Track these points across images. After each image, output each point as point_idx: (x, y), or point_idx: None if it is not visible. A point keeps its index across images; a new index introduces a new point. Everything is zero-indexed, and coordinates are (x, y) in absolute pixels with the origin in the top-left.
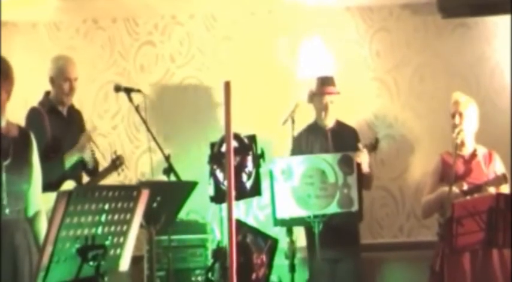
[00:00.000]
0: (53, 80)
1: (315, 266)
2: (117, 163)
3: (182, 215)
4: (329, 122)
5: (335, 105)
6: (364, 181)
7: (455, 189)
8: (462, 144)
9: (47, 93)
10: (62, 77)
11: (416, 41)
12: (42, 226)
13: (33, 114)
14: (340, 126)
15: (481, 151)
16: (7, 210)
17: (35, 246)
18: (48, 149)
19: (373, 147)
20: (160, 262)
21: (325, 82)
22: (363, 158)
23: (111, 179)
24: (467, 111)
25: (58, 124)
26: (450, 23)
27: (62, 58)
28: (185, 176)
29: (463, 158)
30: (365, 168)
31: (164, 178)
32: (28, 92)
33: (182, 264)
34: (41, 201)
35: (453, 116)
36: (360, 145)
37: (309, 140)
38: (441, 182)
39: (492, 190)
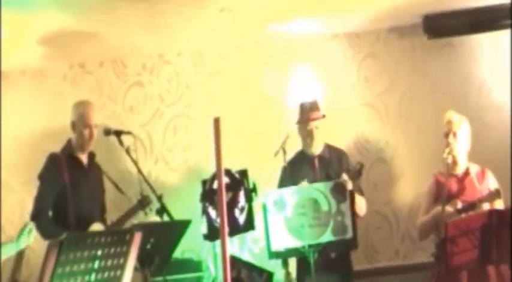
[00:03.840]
0: (74, 126)
1: None
2: (143, 203)
3: (177, 254)
4: (316, 149)
5: (325, 131)
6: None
7: (449, 208)
8: (455, 163)
9: (69, 140)
10: (82, 124)
11: (404, 63)
12: None
13: (51, 160)
14: (329, 151)
15: (474, 169)
16: None
17: None
18: (67, 194)
19: (357, 173)
20: None
21: (307, 108)
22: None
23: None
24: (460, 130)
25: (77, 171)
26: (437, 43)
27: (83, 104)
28: (178, 216)
29: (456, 176)
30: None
31: (157, 219)
32: (15, 140)
33: None
34: None
35: (446, 136)
36: (344, 174)
37: (296, 169)
38: (436, 203)
39: (487, 206)
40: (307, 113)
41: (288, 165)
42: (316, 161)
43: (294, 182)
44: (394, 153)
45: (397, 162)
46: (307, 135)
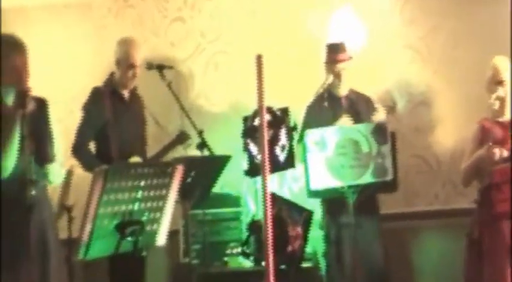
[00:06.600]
0: (118, 63)
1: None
2: (182, 138)
3: (216, 188)
4: (343, 91)
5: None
6: None
7: (494, 150)
8: (501, 110)
9: (112, 74)
10: (126, 63)
11: (449, 6)
12: None
13: (95, 93)
14: (356, 95)
15: None
16: (35, 189)
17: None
18: (109, 128)
19: (391, 109)
20: (196, 236)
21: (334, 49)
22: (380, 117)
23: None
24: (507, 76)
25: (119, 106)
26: None
27: (128, 42)
28: (219, 151)
29: (502, 124)
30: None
31: (198, 153)
32: (60, 73)
33: (217, 238)
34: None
35: (493, 81)
36: (377, 105)
37: (323, 108)
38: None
39: None
40: (333, 55)
41: (313, 104)
42: (343, 101)
43: (321, 118)
44: (435, 98)
45: (439, 106)
46: (334, 77)
